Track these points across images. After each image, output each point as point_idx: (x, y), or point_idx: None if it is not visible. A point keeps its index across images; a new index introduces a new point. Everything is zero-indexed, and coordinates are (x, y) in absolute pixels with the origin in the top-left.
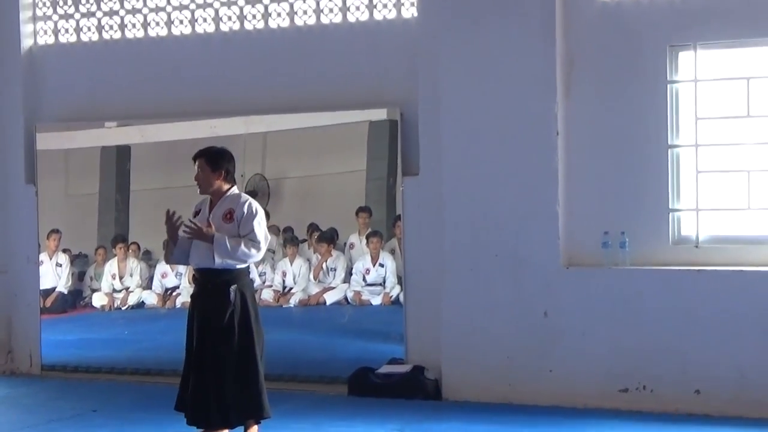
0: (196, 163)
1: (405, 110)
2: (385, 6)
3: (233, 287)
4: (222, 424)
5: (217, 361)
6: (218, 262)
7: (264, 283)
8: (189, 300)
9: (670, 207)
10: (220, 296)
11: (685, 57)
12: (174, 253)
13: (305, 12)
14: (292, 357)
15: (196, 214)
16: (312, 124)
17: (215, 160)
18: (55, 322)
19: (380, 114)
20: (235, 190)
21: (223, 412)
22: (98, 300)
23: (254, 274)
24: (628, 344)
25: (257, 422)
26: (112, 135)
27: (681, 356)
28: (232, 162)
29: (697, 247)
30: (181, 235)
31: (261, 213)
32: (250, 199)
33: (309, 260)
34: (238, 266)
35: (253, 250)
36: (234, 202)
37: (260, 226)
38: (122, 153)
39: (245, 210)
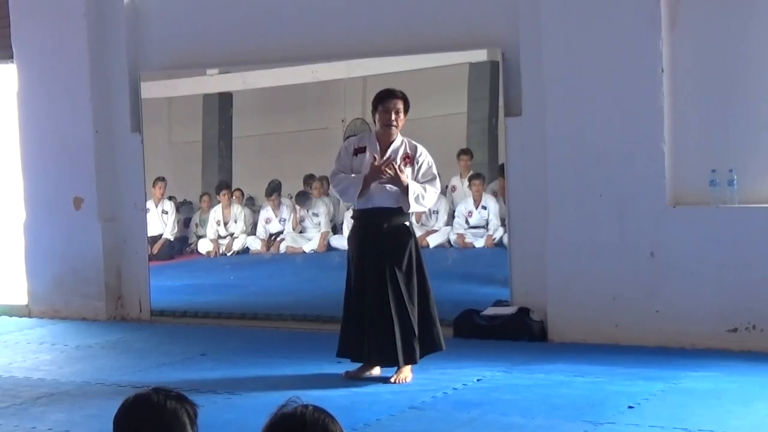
0: (392, 102)
1: (506, 50)
2: None
3: (407, 223)
4: (409, 361)
5: (403, 298)
6: (412, 208)
7: None
8: (292, 245)
9: None
10: (399, 235)
11: None
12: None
13: None
14: None
15: (359, 150)
16: (411, 67)
17: (408, 102)
18: (163, 269)
19: (480, 55)
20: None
21: (410, 348)
22: (204, 246)
23: None
24: (737, 284)
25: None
26: (214, 82)
27: None
28: None
29: None
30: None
31: None
32: (423, 148)
33: None
34: None
35: (436, 197)
36: (411, 147)
37: (437, 174)
38: (224, 100)
39: (425, 158)
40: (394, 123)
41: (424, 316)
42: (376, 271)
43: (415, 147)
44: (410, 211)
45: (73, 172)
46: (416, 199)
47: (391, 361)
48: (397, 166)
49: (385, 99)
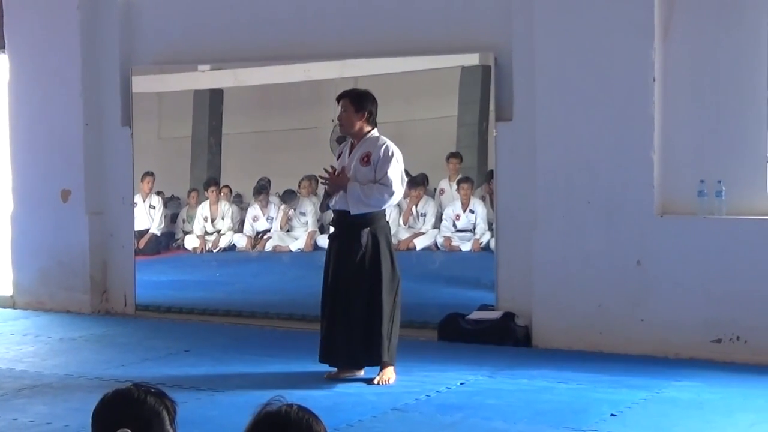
0: (340, 103)
1: (498, 55)
2: None
3: (366, 230)
4: (351, 366)
5: (347, 302)
6: (354, 210)
7: None
8: (279, 244)
9: None
10: (352, 238)
11: None
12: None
13: None
14: None
15: (339, 156)
16: (403, 69)
17: (359, 101)
18: (149, 264)
19: (472, 59)
20: (375, 132)
21: (351, 353)
22: (190, 242)
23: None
24: (722, 295)
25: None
26: (205, 78)
27: None
28: (375, 104)
29: None
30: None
31: (397, 155)
32: (388, 142)
33: (399, 205)
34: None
35: (386, 195)
36: (372, 145)
37: (394, 169)
38: (215, 96)
39: (381, 153)
40: (337, 122)
41: (371, 326)
42: (332, 274)
43: (375, 143)
44: (355, 213)
45: (61, 165)
46: (355, 202)
47: (335, 363)
48: (330, 173)
49: (338, 101)
